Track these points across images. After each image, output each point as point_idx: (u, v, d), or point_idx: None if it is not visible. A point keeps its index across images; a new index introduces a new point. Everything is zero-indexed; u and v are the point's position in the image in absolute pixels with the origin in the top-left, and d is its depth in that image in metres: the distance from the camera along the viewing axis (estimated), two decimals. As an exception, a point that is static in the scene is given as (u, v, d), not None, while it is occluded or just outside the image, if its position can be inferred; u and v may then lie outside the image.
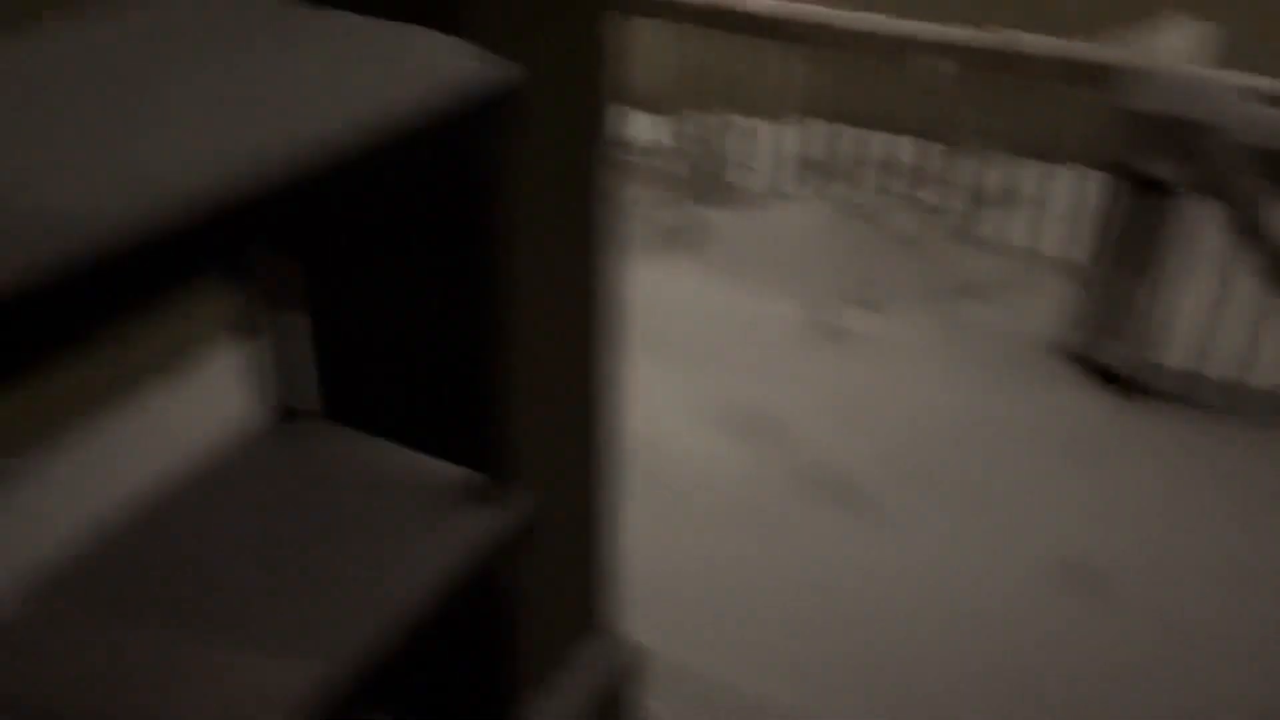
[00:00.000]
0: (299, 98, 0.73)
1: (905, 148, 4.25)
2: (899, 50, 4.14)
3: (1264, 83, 3.79)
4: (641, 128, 4.60)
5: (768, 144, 4.54)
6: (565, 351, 1.49)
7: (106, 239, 0.58)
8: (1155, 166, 3.28)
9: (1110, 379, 3.54)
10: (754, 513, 2.82)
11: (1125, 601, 2.66)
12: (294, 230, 0.71)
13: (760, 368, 3.44)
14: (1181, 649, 2.54)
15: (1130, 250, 3.43)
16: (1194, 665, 2.49)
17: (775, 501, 2.87)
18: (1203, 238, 3.35)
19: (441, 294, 1.13)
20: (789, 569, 2.69)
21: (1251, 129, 3.14)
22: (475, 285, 1.09)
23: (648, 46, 4.54)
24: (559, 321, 1.42)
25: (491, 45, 1.05)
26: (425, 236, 1.07)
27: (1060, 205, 4.09)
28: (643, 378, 3.32)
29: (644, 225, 4.11)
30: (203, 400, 2.69)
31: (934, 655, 2.49)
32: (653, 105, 4.60)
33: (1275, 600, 2.70)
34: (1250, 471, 3.18)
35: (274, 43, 0.80)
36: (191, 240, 0.63)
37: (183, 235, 0.61)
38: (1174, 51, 3.74)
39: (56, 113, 0.69)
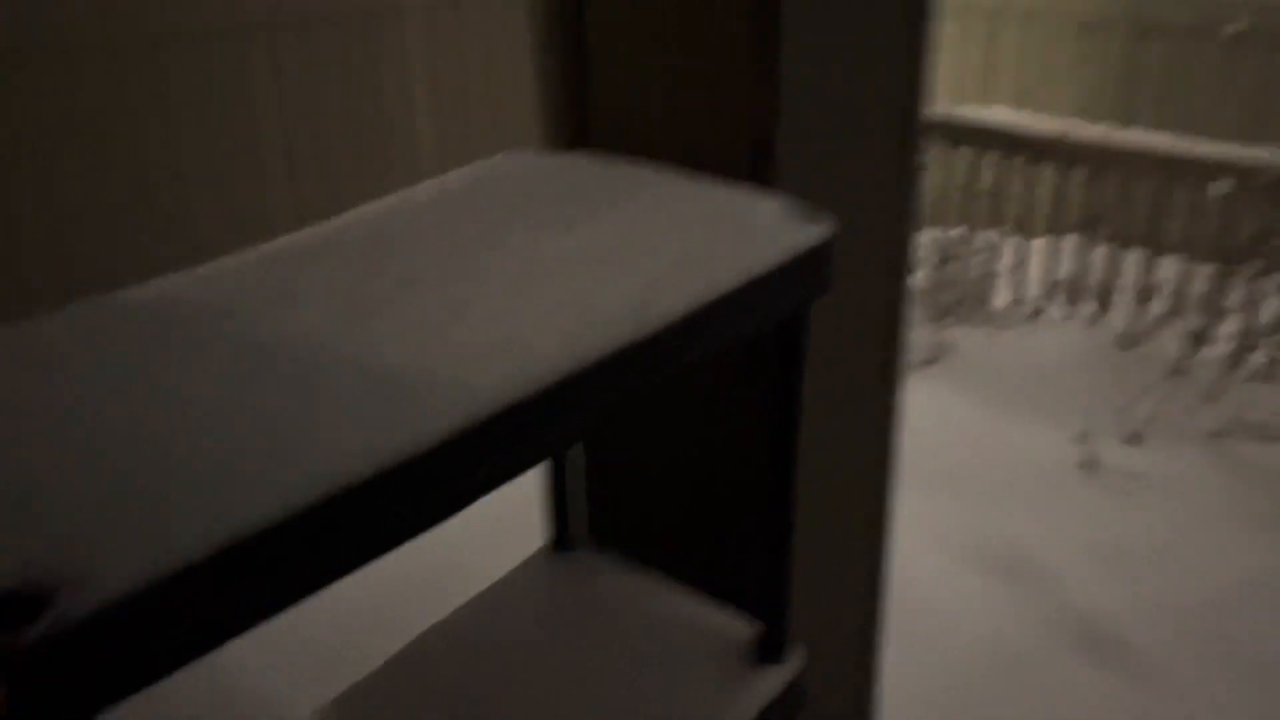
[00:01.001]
0: (651, 263, 0.74)
1: (1175, 269, 3.99)
2: (1175, 170, 3.92)
3: None
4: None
5: (1026, 263, 4.38)
6: (848, 495, 1.44)
7: (487, 409, 0.59)
8: None
9: None
10: (1010, 663, 2.63)
11: None
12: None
13: (1017, 502, 3.24)
14: None
15: None
16: None
17: (1033, 652, 2.66)
18: None
19: (734, 432, 1.11)
20: (1046, 728, 2.48)
21: None
22: (775, 426, 1.07)
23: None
24: (845, 468, 1.38)
25: (804, 193, 1.04)
26: (729, 377, 1.06)
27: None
28: (896, 509, 3.20)
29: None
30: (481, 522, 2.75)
31: None
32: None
33: None
34: None
35: (617, 207, 0.82)
36: (556, 404, 0.64)
37: (554, 399, 0.62)
38: None
39: (447, 283, 0.72)
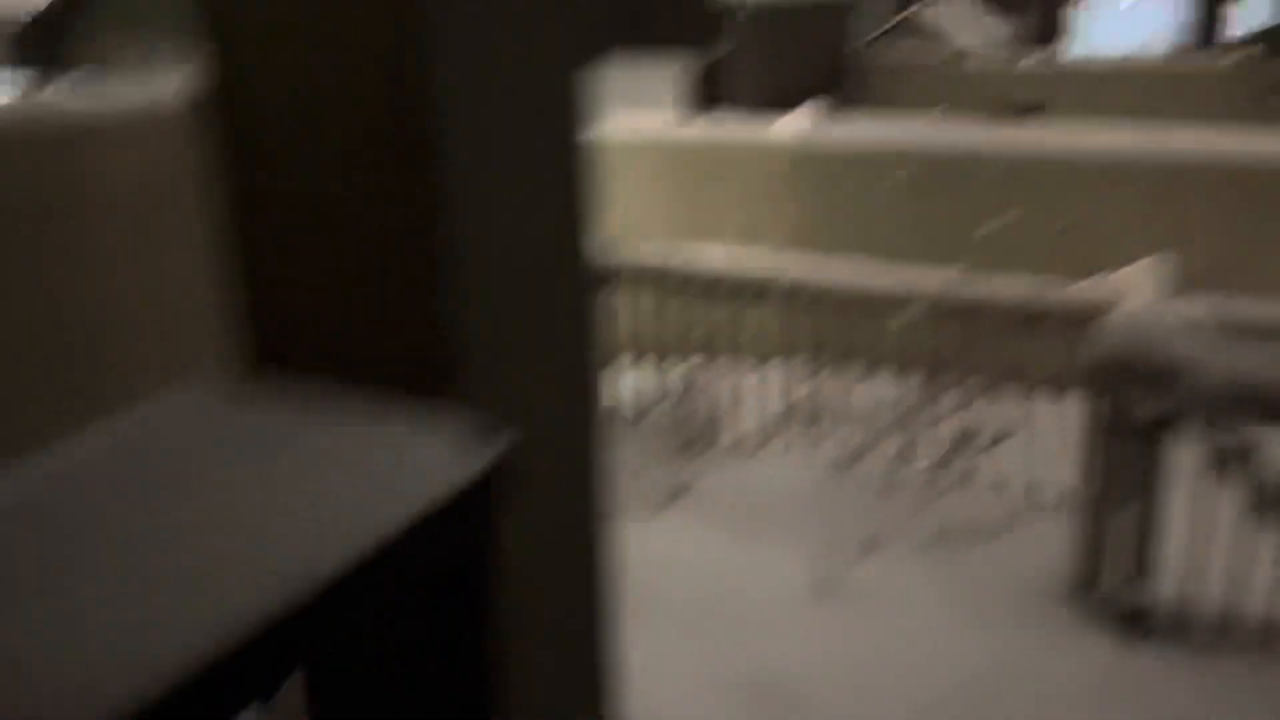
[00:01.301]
0: (306, 520, 0.74)
1: (889, 389, 4.34)
2: (871, 303, 4.31)
3: (1229, 309, 3.99)
4: (628, 384, 4.70)
5: (754, 392, 4.63)
6: (568, 672, 1.45)
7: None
8: (1135, 404, 3.34)
9: (1118, 618, 3.47)
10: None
11: None
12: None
13: (763, 628, 3.35)
14: None
15: (1119, 485, 3.44)
16: None
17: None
18: (1188, 470, 3.36)
19: (437, 654, 1.11)
20: None
21: (1222, 365, 3.23)
22: (473, 630, 1.07)
23: (629, 303, 4.72)
24: (563, 662, 1.39)
25: (488, 399, 1.08)
26: (422, 603, 1.06)
27: (1051, 439, 4.15)
28: (641, 647, 3.23)
29: (634, 484, 4.12)
30: None
31: None
32: (638, 360, 4.72)
33: None
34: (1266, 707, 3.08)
35: (274, 460, 0.82)
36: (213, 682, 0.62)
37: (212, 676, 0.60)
38: (1143, 291, 3.90)
39: (77, 556, 0.69)
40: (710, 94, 14.49)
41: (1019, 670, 3.25)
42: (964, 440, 4.11)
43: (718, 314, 4.65)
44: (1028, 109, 18.78)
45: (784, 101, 9.28)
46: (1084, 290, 4.10)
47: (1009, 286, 4.12)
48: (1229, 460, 3.26)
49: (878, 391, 4.42)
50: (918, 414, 4.20)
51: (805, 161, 6.07)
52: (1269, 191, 5.38)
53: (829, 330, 4.46)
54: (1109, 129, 6.05)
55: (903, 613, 3.47)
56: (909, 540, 3.78)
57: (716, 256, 5.42)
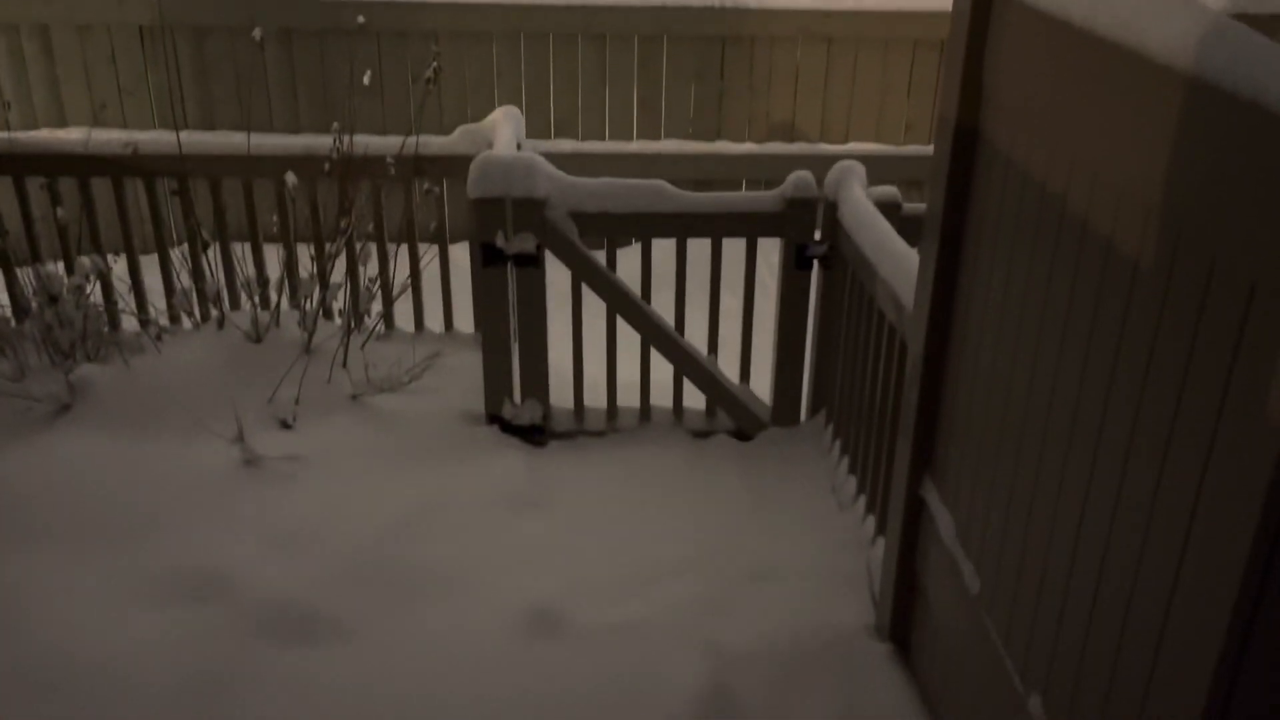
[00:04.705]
0: None
1: (281, 256, 4.23)
2: (253, 167, 4.16)
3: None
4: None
5: (152, 277, 4.31)
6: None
7: None
8: (502, 239, 3.65)
9: (521, 432, 3.88)
10: (212, 682, 2.66)
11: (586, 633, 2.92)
12: None
13: (191, 521, 3.25)
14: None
15: (507, 314, 3.78)
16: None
17: (235, 661, 2.73)
18: (564, 294, 3.79)
19: None
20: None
21: (567, 197, 3.65)
22: None
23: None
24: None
25: None
26: None
27: (457, 281, 4.40)
28: (54, 575, 2.98)
29: (9, 404, 3.67)
30: None
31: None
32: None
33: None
34: (671, 470, 3.70)
35: None
36: None
37: None
38: (502, 137, 4.18)
39: None
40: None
41: (455, 487, 3.51)
42: (374, 293, 4.18)
43: (89, 200, 4.20)
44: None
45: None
46: (454, 140, 4.32)
47: (385, 142, 4.20)
48: (588, 280, 3.74)
49: (270, 259, 4.33)
50: (316, 274, 4.19)
51: (154, 33, 5.58)
52: (615, 51, 6.00)
53: (220, 203, 4.26)
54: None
55: (333, 471, 3.54)
56: (332, 399, 3.83)
57: (76, 135, 4.87)
